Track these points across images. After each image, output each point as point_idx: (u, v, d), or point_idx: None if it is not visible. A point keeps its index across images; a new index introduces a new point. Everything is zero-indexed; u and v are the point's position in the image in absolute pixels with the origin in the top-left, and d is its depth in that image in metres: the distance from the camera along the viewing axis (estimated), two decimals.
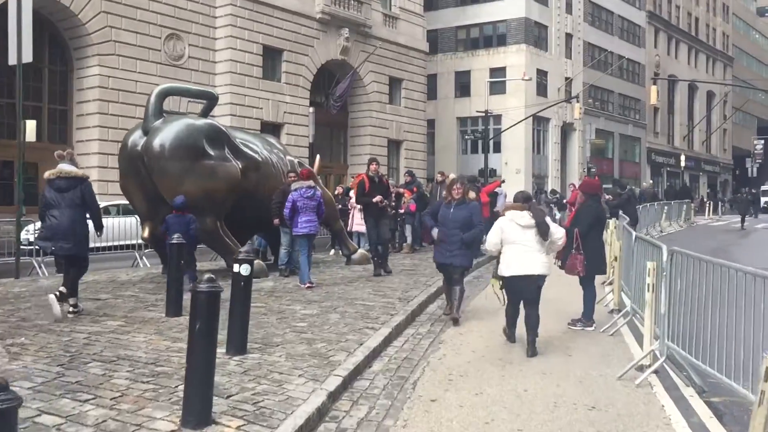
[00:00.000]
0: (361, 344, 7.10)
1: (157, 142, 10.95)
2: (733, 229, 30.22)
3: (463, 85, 46.20)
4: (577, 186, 21.62)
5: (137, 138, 11.26)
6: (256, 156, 12.31)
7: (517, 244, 7.33)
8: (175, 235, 9.17)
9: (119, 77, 27.40)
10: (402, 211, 16.81)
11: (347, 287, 11.05)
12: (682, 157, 58.89)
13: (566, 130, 48.96)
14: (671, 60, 62.51)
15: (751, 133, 79.84)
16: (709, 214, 41.91)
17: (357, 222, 16.94)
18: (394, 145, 38.88)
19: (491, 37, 45.71)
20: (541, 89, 45.58)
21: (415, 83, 39.58)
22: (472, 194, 11.42)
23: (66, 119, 27.65)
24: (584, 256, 8.58)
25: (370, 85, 36.83)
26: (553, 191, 22.18)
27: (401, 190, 17.25)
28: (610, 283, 10.84)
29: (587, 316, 8.78)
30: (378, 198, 12.62)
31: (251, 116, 31.19)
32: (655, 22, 60.11)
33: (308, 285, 10.87)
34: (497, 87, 43.53)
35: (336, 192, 17.74)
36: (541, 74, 45.85)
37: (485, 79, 40.82)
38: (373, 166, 13.20)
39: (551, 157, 47.40)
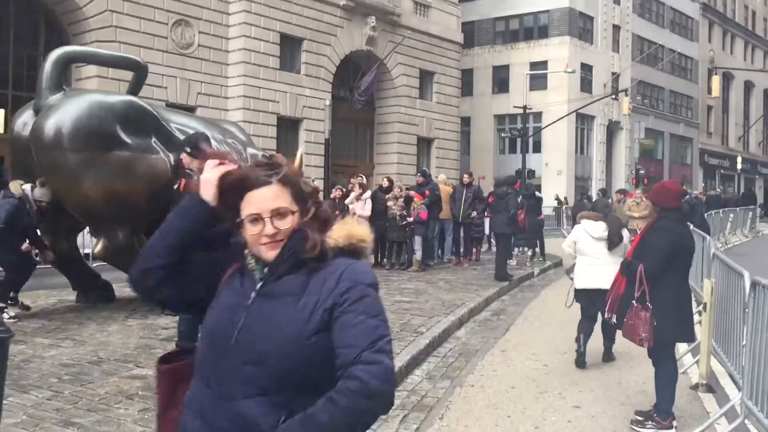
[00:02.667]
0: None
1: (49, 126, 7.73)
2: None
3: (501, 80, 42.39)
4: (627, 193, 17.81)
5: (28, 119, 8.06)
6: None
7: (588, 256, 6.86)
8: None
9: None
10: (411, 219, 13.35)
11: None
12: (739, 159, 53.92)
13: (612, 129, 44.75)
14: (726, 55, 57.37)
15: None
16: None
17: None
18: (424, 144, 35.33)
19: (532, 29, 41.80)
20: (586, 85, 41.53)
21: (448, 77, 35.93)
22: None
23: None
24: (654, 312, 5.05)
25: (399, 78, 33.35)
26: (603, 191, 18.43)
27: (411, 193, 13.77)
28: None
29: (663, 411, 5.18)
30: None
31: (267, 110, 28.03)
32: (709, 14, 55.19)
33: None
34: (538, 82, 39.68)
35: (333, 195, 14.31)
36: (586, 69, 41.78)
37: (525, 74, 36.91)
38: None
39: (596, 158, 43.27)
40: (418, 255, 13.43)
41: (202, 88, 26.68)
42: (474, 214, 14.24)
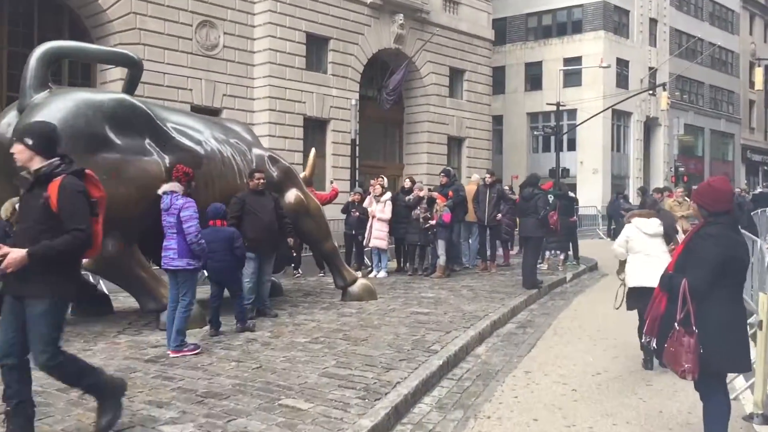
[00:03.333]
0: None
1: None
2: None
3: (533, 77, 41.21)
4: (667, 192, 16.73)
5: (12, 120, 7.46)
6: (198, 148, 8.29)
7: (642, 254, 6.67)
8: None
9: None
10: (434, 221, 12.53)
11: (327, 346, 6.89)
12: None
13: (650, 125, 43.24)
14: None
15: None
16: None
17: (376, 235, 12.82)
18: (455, 143, 34.38)
19: (565, 24, 40.54)
20: (622, 80, 40.13)
21: (479, 74, 34.93)
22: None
23: None
24: (700, 337, 4.18)
25: (428, 76, 32.48)
26: (643, 189, 17.31)
27: (434, 194, 12.95)
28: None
29: None
30: None
31: (293, 111, 27.41)
32: (749, 6, 53.16)
33: (184, 352, 6.54)
34: (572, 78, 38.45)
35: (351, 199, 13.58)
36: (622, 64, 40.38)
37: (558, 69, 35.70)
38: None
39: (632, 156, 41.83)
40: (441, 260, 12.59)
41: (227, 89, 26.17)
42: (499, 216, 13.36)
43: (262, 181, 8.42)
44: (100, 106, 7.47)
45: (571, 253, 15.47)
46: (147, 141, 7.82)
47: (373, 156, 31.44)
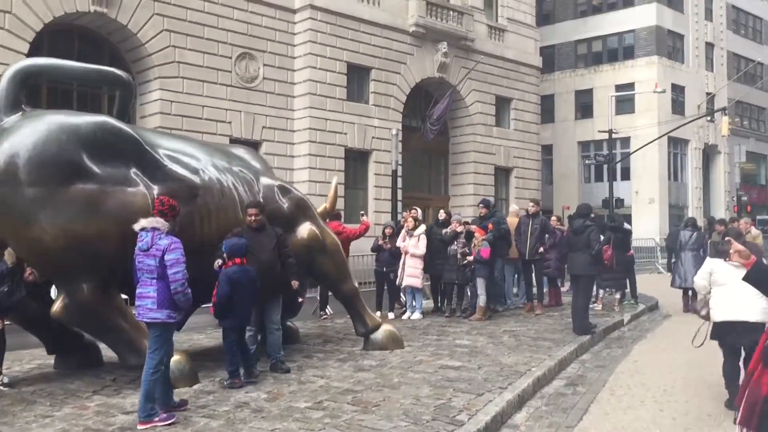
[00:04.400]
0: None
1: (1, 152, 6.17)
2: None
3: (584, 105, 39.55)
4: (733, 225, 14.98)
5: None
6: (193, 177, 7.19)
7: (728, 286, 6.19)
8: None
9: (183, 101, 23.51)
10: (471, 258, 11.19)
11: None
12: None
13: (709, 153, 40.96)
14: None
15: None
16: None
17: (410, 273, 11.54)
18: (502, 174, 32.91)
19: (616, 50, 38.88)
20: (678, 107, 38.16)
21: (527, 102, 33.53)
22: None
23: None
24: None
25: (474, 105, 31.24)
26: (711, 219, 15.62)
27: (472, 227, 11.60)
28: None
29: None
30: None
31: (334, 142, 26.49)
32: None
33: (155, 422, 5.38)
34: (624, 106, 36.71)
35: (385, 231, 12.32)
36: (677, 90, 38.43)
37: (610, 96, 34.01)
38: None
39: (691, 185, 39.56)
40: (480, 300, 11.19)
41: (267, 121, 25.45)
42: (541, 249, 11.91)
43: (256, 217, 7.23)
44: (77, 129, 6.46)
45: (628, 290, 13.87)
46: (133, 170, 6.77)
47: (417, 188, 30.24)
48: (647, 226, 33.27)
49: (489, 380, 6.78)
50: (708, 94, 39.33)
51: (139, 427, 5.32)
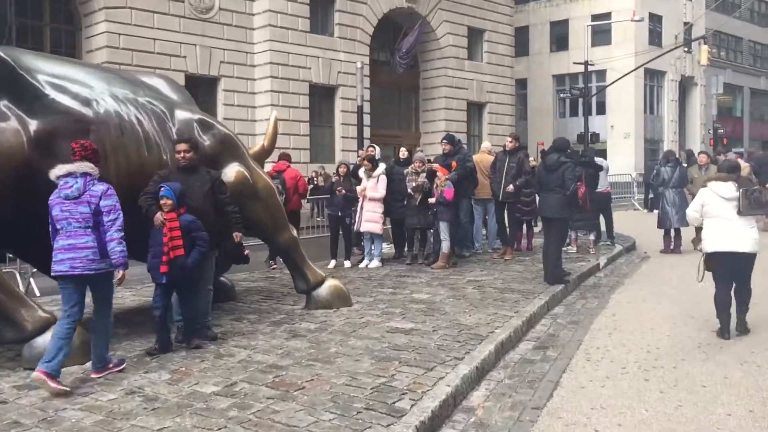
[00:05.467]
0: None
1: None
2: None
3: (559, 37, 37.99)
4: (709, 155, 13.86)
5: None
6: (83, 109, 5.80)
7: (719, 218, 6.39)
8: None
9: (132, 34, 21.72)
10: (433, 199, 9.98)
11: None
12: None
13: (685, 85, 39.80)
14: None
15: None
16: None
17: (368, 218, 10.34)
18: (475, 109, 31.57)
19: None
20: (655, 37, 36.77)
21: (500, 34, 31.90)
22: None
23: None
24: None
25: (445, 37, 29.60)
26: (690, 152, 14.64)
27: (434, 166, 10.33)
28: None
29: None
30: None
31: (297, 78, 24.89)
32: None
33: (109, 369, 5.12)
34: (601, 37, 35.25)
35: (339, 170, 10.97)
36: (655, 19, 36.97)
37: (586, 25, 32.42)
38: None
39: (667, 118, 38.53)
40: (444, 247, 10.02)
41: (224, 56, 23.72)
42: (510, 188, 10.66)
43: (186, 154, 5.95)
44: None
45: (604, 230, 12.81)
46: (4, 102, 5.40)
47: (386, 125, 28.80)
48: (622, 161, 32.26)
49: (443, 348, 5.65)
50: (686, 23, 37.88)
51: (94, 375, 5.05)
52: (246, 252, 7.23)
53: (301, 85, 25.05)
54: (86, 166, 5.00)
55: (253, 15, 24.52)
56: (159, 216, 5.65)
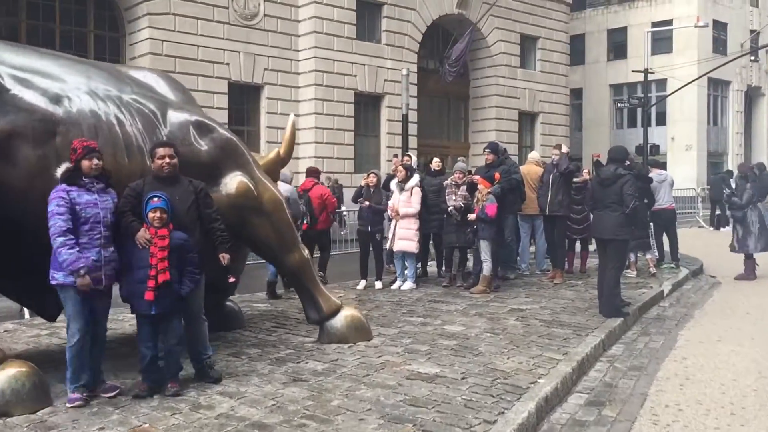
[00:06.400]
0: None
1: None
2: None
3: (617, 45, 36.25)
4: None
5: None
6: (51, 107, 4.89)
7: None
8: None
9: (175, 41, 21.18)
10: (473, 216, 8.83)
11: None
12: None
13: (751, 95, 37.47)
14: None
15: None
16: None
17: (403, 235, 9.23)
18: (527, 119, 30.15)
19: None
20: (719, 45, 34.69)
21: (555, 41, 30.45)
22: None
23: None
24: None
25: (496, 45, 28.34)
26: (761, 166, 13.16)
27: (475, 178, 9.17)
28: None
29: None
30: None
31: (342, 86, 23.99)
32: None
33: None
34: (661, 45, 33.40)
35: (364, 182, 9.87)
36: (719, 27, 34.90)
37: (645, 32, 30.68)
38: None
39: (731, 130, 36.31)
40: (485, 269, 8.83)
41: (269, 63, 23.01)
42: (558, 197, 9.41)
43: (168, 161, 4.98)
44: None
45: (667, 250, 11.40)
46: None
47: (434, 134, 27.69)
48: (684, 175, 30.35)
49: (472, 404, 4.50)
50: (752, 31, 35.65)
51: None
52: (232, 279, 6.26)
53: (347, 93, 24.15)
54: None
55: (299, 21, 23.76)
56: (143, 233, 4.69)
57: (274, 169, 7.04)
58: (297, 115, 23.64)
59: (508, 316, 7.31)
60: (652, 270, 10.47)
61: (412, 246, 9.38)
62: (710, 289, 10.14)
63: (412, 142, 23.85)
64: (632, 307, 7.78)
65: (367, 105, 25.02)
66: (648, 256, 10.56)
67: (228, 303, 6.97)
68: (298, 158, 23.63)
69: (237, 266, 6.54)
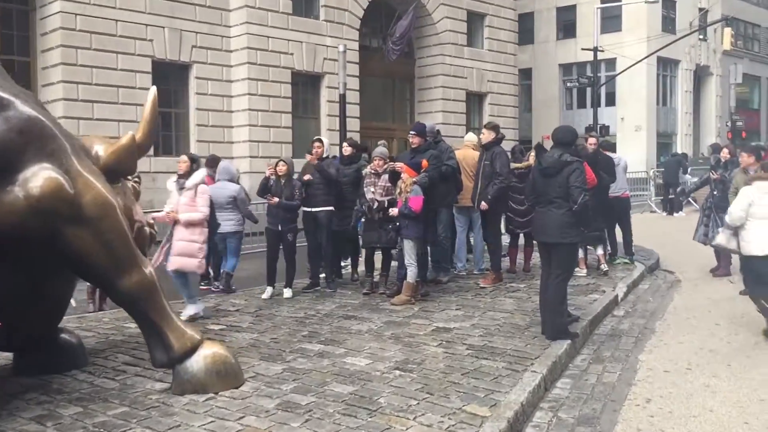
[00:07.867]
0: None
1: None
2: None
3: (566, 24, 34.99)
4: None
5: None
6: None
7: (765, 220, 6.00)
8: None
9: (91, 15, 19.04)
10: (395, 210, 7.25)
11: None
12: None
13: (701, 75, 36.72)
14: None
15: None
16: None
17: (180, 249, 6.64)
18: (475, 100, 28.70)
19: None
20: (668, 24, 33.75)
21: (502, 19, 28.95)
22: None
23: (28, 74, 19.59)
24: None
25: (442, 22, 26.72)
26: (715, 146, 12.04)
27: (397, 165, 7.54)
28: None
29: None
30: None
31: (278, 64, 22.13)
32: None
33: None
34: (611, 23, 32.23)
35: (268, 173, 8.13)
36: (668, 5, 33.94)
37: (595, 8, 29.45)
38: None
39: (681, 110, 35.51)
40: (409, 275, 7.25)
41: (197, 40, 20.97)
42: (483, 205, 7.90)
43: None
44: None
45: (620, 241, 10.05)
46: None
47: (378, 116, 26.04)
48: (633, 156, 29.34)
49: None
50: (701, 9, 34.76)
51: None
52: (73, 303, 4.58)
53: (283, 72, 22.29)
54: None
55: None
56: None
57: (127, 159, 5.23)
58: (229, 97, 21.76)
59: (430, 341, 5.76)
60: (604, 267, 9.07)
61: (193, 264, 6.79)
62: (669, 289, 8.78)
63: (353, 124, 22.22)
64: (582, 323, 6.31)
65: (305, 85, 23.22)
66: (599, 251, 9.15)
67: (63, 335, 5.25)
68: (231, 143, 21.79)
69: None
